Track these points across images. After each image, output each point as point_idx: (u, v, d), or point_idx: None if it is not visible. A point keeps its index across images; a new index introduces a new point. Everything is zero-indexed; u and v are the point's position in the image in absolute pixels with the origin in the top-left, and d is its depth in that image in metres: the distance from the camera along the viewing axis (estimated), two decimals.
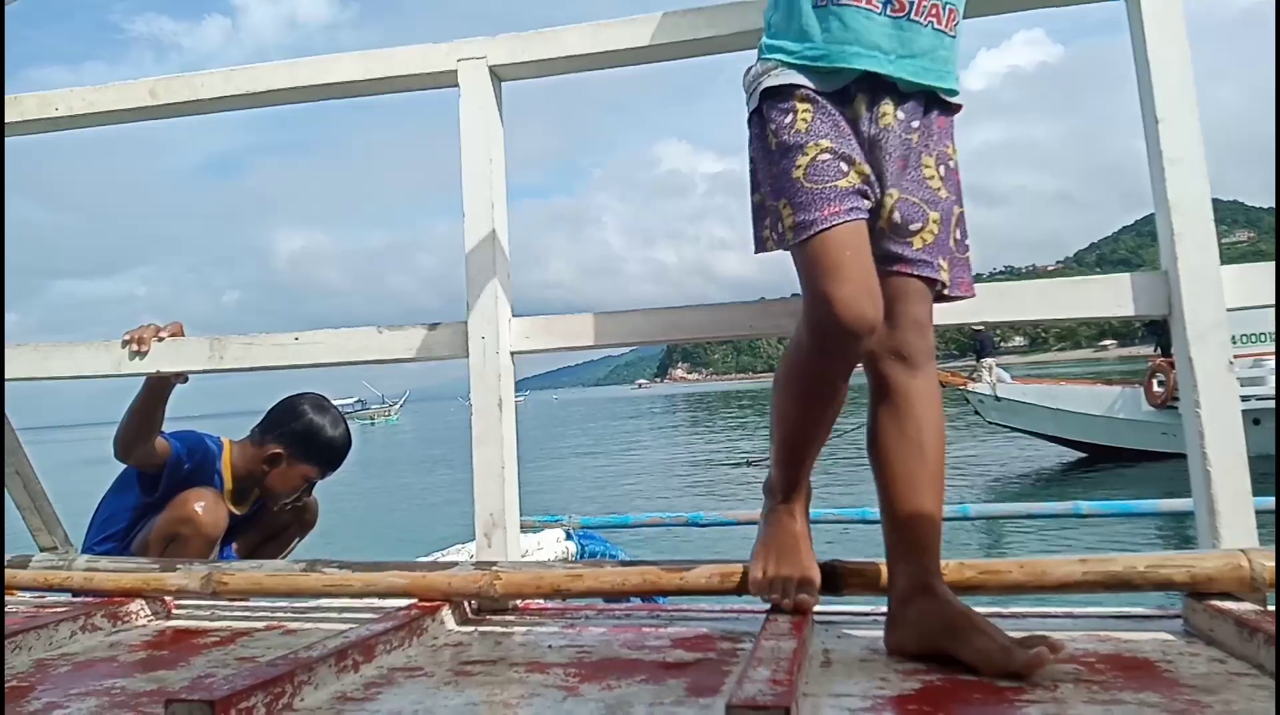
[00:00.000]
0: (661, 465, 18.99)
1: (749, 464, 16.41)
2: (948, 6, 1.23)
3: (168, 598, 1.58)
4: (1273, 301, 1.42)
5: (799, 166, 1.18)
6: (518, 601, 1.45)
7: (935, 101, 1.26)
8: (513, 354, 1.66)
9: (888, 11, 1.20)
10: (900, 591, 1.17)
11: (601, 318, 1.64)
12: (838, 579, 1.28)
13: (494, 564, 1.43)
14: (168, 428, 2.31)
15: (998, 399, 14.65)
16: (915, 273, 1.21)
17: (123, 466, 2.20)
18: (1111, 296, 1.47)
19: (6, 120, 1.85)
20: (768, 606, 1.25)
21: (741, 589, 1.31)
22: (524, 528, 4.16)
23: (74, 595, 1.67)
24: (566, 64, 1.66)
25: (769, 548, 1.29)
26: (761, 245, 1.25)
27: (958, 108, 1.30)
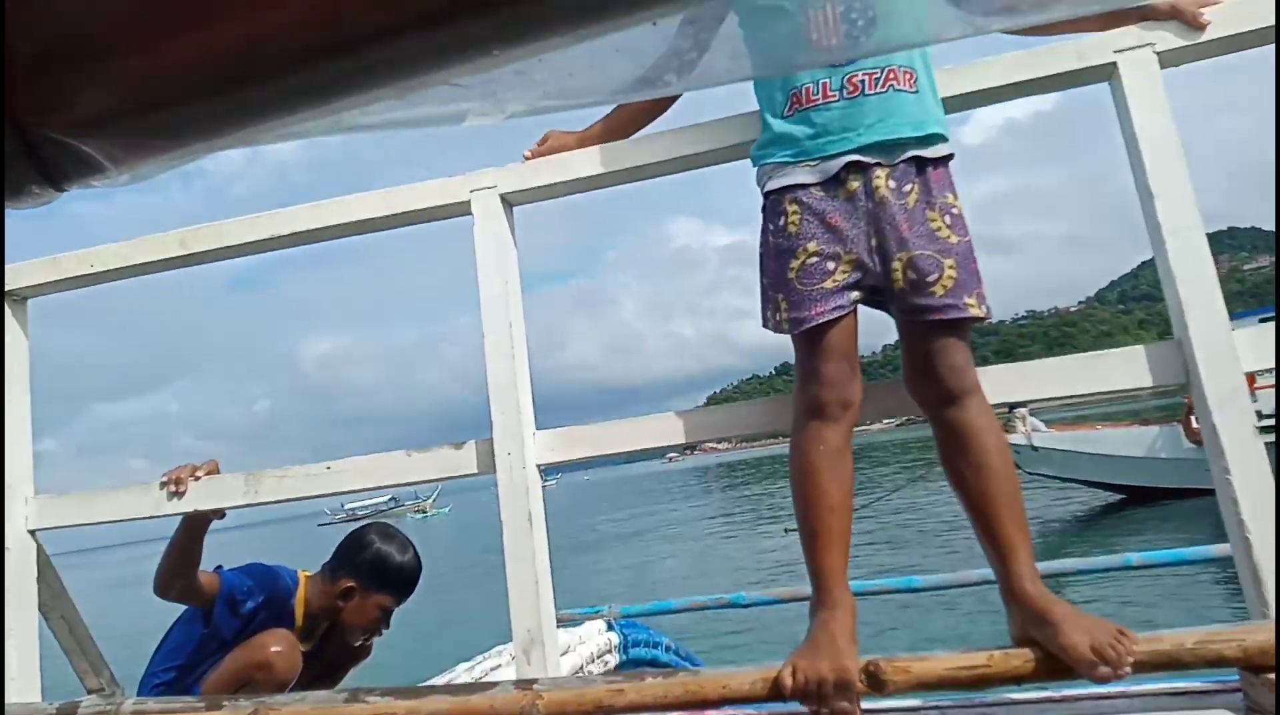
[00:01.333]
0: (698, 540, 18.72)
1: (787, 531, 16.15)
2: (903, 69, 1.38)
3: None
4: None
5: (792, 269, 1.37)
6: None
7: (925, 161, 1.38)
8: (539, 467, 1.68)
9: (844, 95, 1.37)
10: (1002, 592, 1.32)
11: (623, 425, 1.68)
12: (880, 678, 1.26)
13: (534, 682, 1.42)
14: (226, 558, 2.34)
15: (1035, 449, 14.39)
16: (944, 317, 1.33)
17: None
18: (1129, 369, 1.48)
19: (49, 279, 1.95)
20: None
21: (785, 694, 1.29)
22: (564, 621, 4.12)
23: None
24: (572, 186, 1.74)
25: (804, 649, 1.28)
26: (766, 324, 1.44)
27: (949, 157, 1.41)
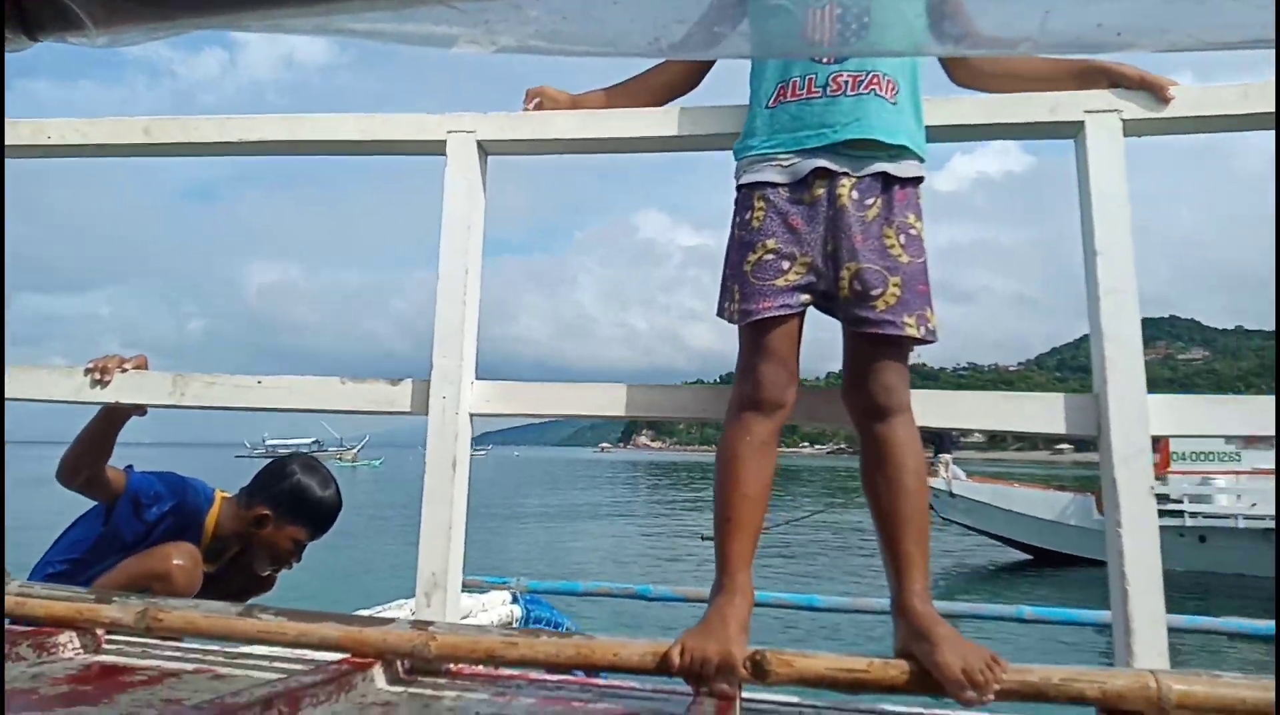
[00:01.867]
0: (618, 534, 18.78)
1: (704, 538, 16.31)
2: (886, 78, 1.43)
3: (99, 631, 1.56)
4: (1195, 433, 1.50)
5: (749, 262, 1.42)
6: (451, 665, 1.46)
7: (893, 179, 1.43)
8: (471, 416, 1.69)
9: (827, 93, 1.42)
10: (892, 606, 1.36)
11: (561, 388, 1.69)
12: (764, 668, 1.30)
13: (431, 624, 1.44)
14: (145, 464, 2.29)
15: (952, 495, 14.80)
16: (880, 332, 1.38)
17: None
18: (1046, 414, 1.54)
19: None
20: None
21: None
22: (469, 587, 4.12)
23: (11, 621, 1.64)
24: (552, 145, 1.74)
25: (696, 630, 1.32)
26: (720, 313, 1.47)
27: (918, 179, 1.46)
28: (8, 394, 1.84)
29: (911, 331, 1.38)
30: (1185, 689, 1.20)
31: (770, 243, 1.42)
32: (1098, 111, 1.58)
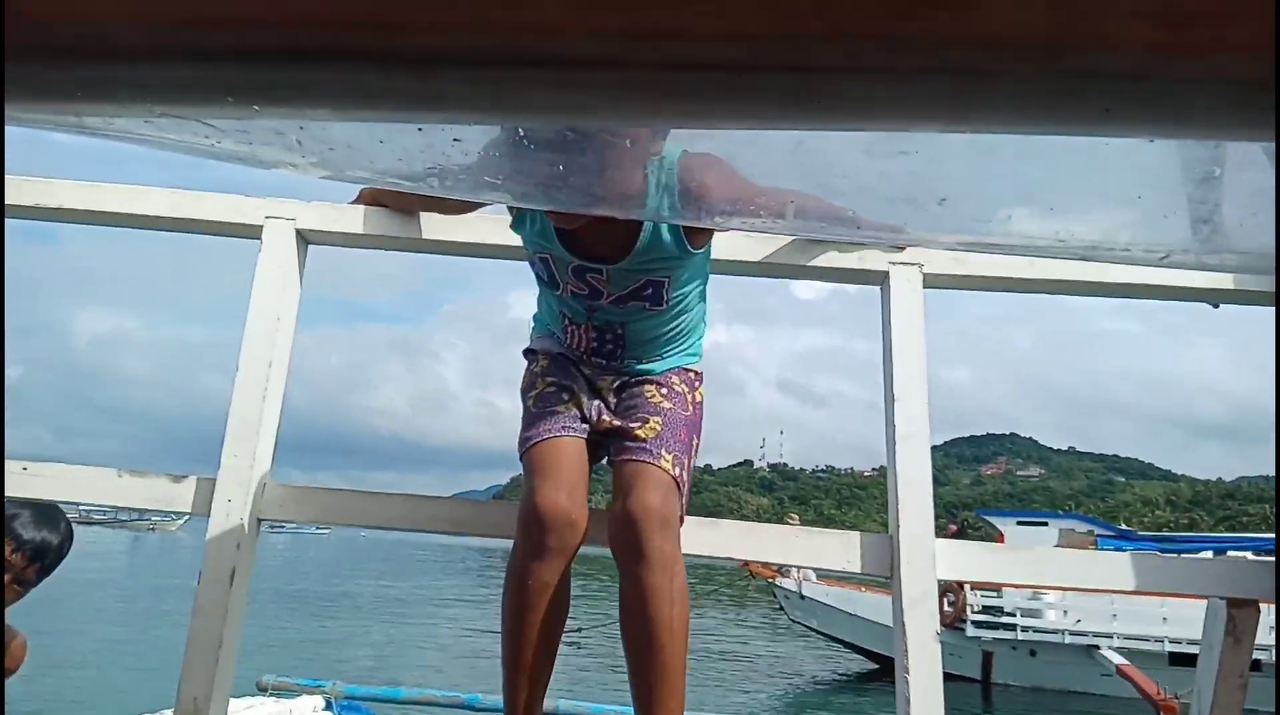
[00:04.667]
0: (456, 626, 17.95)
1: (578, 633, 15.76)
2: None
3: None
4: (976, 578, 1.56)
5: (532, 397, 1.47)
6: None
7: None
8: (260, 521, 1.57)
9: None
10: None
11: (361, 496, 1.61)
12: None
13: None
14: None
15: (801, 597, 14.99)
16: (638, 458, 1.36)
17: None
18: (843, 551, 1.56)
19: None
20: None
21: None
22: (277, 690, 3.79)
23: None
24: (374, 241, 1.70)
25: None
26: (520, 458, 1.43)
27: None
28: None
29: (666, 466, 1.35)
30: None
31: (551, 378, 1.48)
32: (901, 264, 1.67)
